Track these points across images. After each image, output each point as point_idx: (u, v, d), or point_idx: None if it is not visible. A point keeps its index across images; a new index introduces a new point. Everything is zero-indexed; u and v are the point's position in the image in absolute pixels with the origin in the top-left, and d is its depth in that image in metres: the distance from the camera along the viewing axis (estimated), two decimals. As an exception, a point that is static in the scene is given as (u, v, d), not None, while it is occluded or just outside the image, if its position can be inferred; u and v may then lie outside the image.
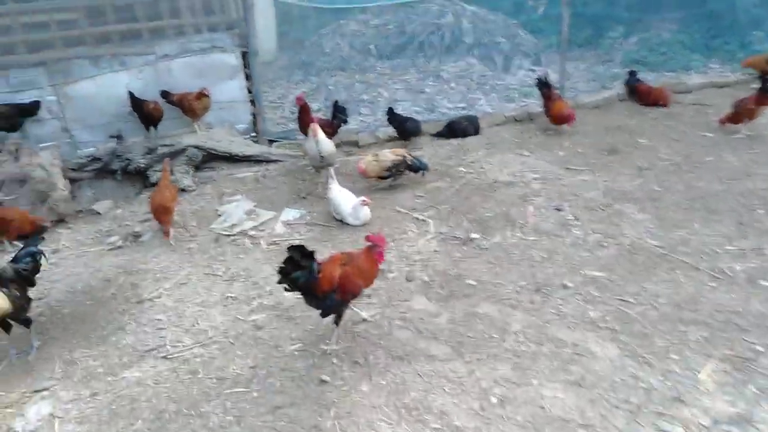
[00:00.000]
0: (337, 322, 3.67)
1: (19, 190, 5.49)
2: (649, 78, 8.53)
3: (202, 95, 6.45)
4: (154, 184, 6.27)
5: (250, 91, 7.03)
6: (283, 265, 3.42)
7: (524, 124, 7.64)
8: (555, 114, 7.03)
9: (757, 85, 7.08)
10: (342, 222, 5.34)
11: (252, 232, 5.29)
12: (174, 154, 6.39)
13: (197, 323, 4.06)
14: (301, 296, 3.59)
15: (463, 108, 8.21)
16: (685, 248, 4.54)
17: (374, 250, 3.56)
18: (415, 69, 9.72)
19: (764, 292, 3.96)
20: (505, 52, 10.15)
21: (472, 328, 3.82)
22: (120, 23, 6.37)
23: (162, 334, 3.95)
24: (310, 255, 3.44)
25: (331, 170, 5.67)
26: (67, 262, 4.97)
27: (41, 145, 6.22)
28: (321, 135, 5.85)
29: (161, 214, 5.13)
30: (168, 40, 6.47)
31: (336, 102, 6.77)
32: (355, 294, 3.59)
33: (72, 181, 6.12)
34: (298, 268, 3.41)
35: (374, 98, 8.57)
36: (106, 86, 6.35)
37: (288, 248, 3.43)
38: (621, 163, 6.21)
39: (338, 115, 6.65)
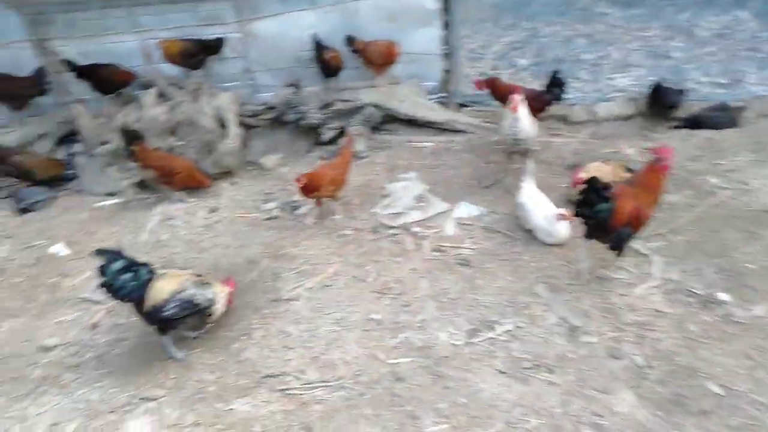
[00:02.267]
0: (622, 251, 3.55)
1: (192, 135, 5.21)
2: None
3: (390, 50, 5.49)
4: (325, 143, 5.65)
5: (446, 43, 5.87)
6: (584, 195, 3.33)
7: (817, 118, 5.38)
8: None
9: None
10: (531, 235, 4.13)
11: (416, 228, 4.34)
12: (350, 112, 5.62)
13: (328, 351, 3.31)
14: (586, 228, 3.48)
15: (723, 84, 6.10)
16: None
17: (659, 164, 3.34)
18: (659, 23, 7.57)
19: None
20: (797, 5, 7.43)
21: (709, 481, 2.48)
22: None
23: (287, 356, 3.28)
24: (606, 187, 3.30)
25: (530, 163, 4.40)
26: (219, 228, 4.57)
27: (224, 85, 5.91)
28: (522, 111, 4.55)
29: (330, 186, 4.38)
30: (362, -25, 5.55)
31: (556, 72, 5.28)
32: (645, 224, 3.44)
33: (248, 127, 5.74)
34: (600, 201, 3.29)
35: (599, 60, 6.80)
36: (290, 26, 5.71)
37: (588, 180, 3.32)
38: None
39: (553, 89, 5.21)
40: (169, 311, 3.03)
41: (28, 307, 3.76)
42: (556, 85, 5.16)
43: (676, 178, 4.63)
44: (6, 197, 5.13)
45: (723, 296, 3.47)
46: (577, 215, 3.44)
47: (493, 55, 7.32)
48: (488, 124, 5.69)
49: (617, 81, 6.33)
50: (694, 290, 3.54)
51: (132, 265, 3.05)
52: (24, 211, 4.89)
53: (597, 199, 3.29)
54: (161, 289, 3.06)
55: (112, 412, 2.97)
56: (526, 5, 8.82)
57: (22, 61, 5.69)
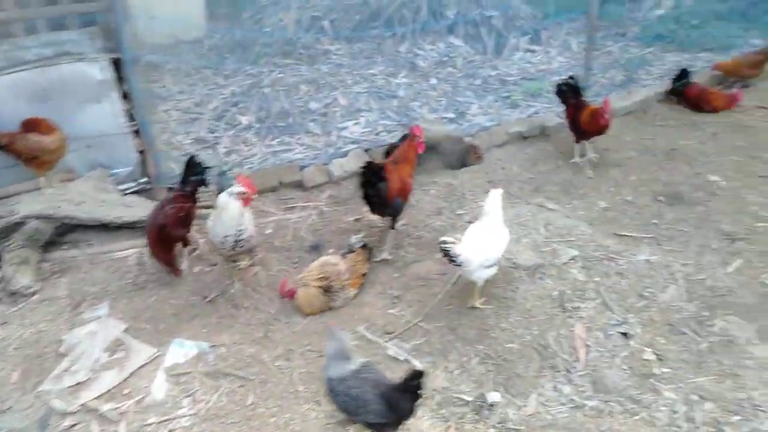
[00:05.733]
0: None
1: None
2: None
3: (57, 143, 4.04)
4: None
5: (133, 118, 4.61)
6: (365, 178, 3.72)
7: (536, 144, 5.46)
8: (585, 122, 4.81)
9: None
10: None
11: (107, 406, 3.03)
12: (5, 232, 4.01)
13: None
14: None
15: (452, 119, 5.95)
16: None
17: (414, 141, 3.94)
18: (382, 58, 7.32)
19: None
20: (496, 28, 7.82)
21: None
22: None
23: None
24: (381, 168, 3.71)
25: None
26: None
27: None
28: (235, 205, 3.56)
29: None
30: (-19, 48, 4.01)
31: (191, 159, 4.04)
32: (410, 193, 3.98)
33: None
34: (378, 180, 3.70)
35: (327, 107, 6.19)
36: None
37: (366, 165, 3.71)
38: (695, 223, 4.13)
39: (190, 179, 4.01)
40: None
41: None
42: (193, 172, 3.99)
43: (423, 242, 4.14)
44: None
45: (495, 397, 2.93)
46: (364, 196, 3.80)
47: (211, 114, 6.24)
48: (206, 211, 4.60)
49: (349, 130, 5.77)
50: (464, 396, 2.94)
51: None
52: None
53: (376, 179, 3.71)
54: None
55: None
56: (248, 48, 7.92)
57: None
